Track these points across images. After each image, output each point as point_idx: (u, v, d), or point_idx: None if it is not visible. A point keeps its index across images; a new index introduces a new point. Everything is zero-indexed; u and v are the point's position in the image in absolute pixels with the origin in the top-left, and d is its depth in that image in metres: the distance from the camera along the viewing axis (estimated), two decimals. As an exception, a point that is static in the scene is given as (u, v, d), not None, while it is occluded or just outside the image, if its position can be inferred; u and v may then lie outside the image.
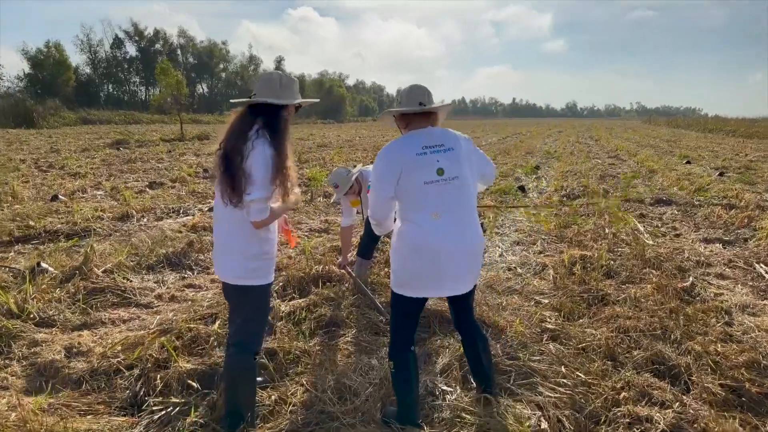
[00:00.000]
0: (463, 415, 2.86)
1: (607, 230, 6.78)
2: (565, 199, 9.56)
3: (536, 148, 22.45)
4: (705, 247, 6.24)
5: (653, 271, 5.07)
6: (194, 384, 3.11)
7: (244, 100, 2.68)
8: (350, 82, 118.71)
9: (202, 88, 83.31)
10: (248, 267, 2.62)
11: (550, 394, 3.02)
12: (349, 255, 4.95)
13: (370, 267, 5.17)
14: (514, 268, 5.51)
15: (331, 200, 6.61)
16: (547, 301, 4.49)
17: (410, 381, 2.76)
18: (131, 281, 4.87)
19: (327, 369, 3.31)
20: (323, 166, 14.20)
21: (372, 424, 2.77)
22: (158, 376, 3.15)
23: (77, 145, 20.74)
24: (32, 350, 3.50)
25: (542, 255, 5.96)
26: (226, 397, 2.74)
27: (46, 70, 56.89)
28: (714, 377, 3.18)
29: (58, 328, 3.91)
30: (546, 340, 3.72)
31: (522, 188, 10.84)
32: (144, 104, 60.93)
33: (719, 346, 3.55)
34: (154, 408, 2.91)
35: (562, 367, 3.29)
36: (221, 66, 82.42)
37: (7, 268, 4.93)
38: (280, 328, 3.86)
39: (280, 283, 4.65)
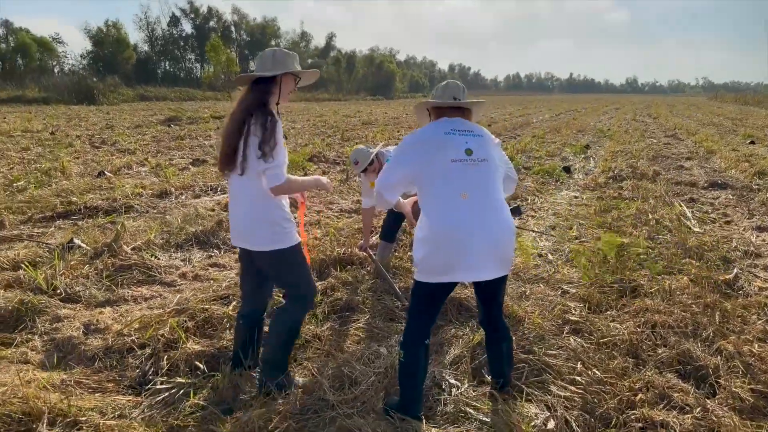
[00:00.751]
0: (467, 410, 2.76)
1: (650, 216, 6.42)
2: (611, 181, 9.13)
3: (589, 126, 21.63)
4: (757, 236, 5.82)
5: (693, 262, 4.75)
6: (200, 365, 3.14)
7: (245, 74, 2.85)
8: (401, 57, 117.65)
9: (255, 64, 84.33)
10: (277, 231, 2.76)
11: (560, 393, 2.87)
12: (373, 237, 4.87)
13: (393, 250, 5.08)
14: (545, 254, 5.30)
15: (350, 174, 6.65)
16: (574, 290, 4.29)
17: (417, 376, 2.68)
18: (159, 259, 4.97)
19: (332, 355, 3.26)
20: (364, 143, 14.08)
21: (372, 414, 2.70)
22: (166, 356, 3.19)
23: (131, 121, 21.40)
24: (54, 326, 3.62)
25: (577, 241, 5.71)
26: (268, 352, 2.92)
27: (107, 48, 58.90)
28: (744, 381, 2.94)
29: (82, 304, 4.03)
30: (567, 334, 3.55)
31: (567, 169, 10.44)
32: (198, 81, 62.19)
33: (756, 346, 3.29)
34: (159, 388, 2.95)
35: (579, 363, 3.13)
36: (273, 43, 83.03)
37: (43, 244, 5.12)
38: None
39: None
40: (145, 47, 71.34)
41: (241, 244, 2.86)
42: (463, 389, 2.95)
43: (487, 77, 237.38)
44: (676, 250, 5.12)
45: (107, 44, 58.77)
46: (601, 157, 12.27)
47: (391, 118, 26.80)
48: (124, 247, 4.97)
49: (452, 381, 3.04)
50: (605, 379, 2.96)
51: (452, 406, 2.80)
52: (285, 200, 2.85)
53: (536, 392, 2.91)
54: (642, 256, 4.92)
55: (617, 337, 3.43)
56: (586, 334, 3.54)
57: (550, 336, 3.48)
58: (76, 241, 5.05)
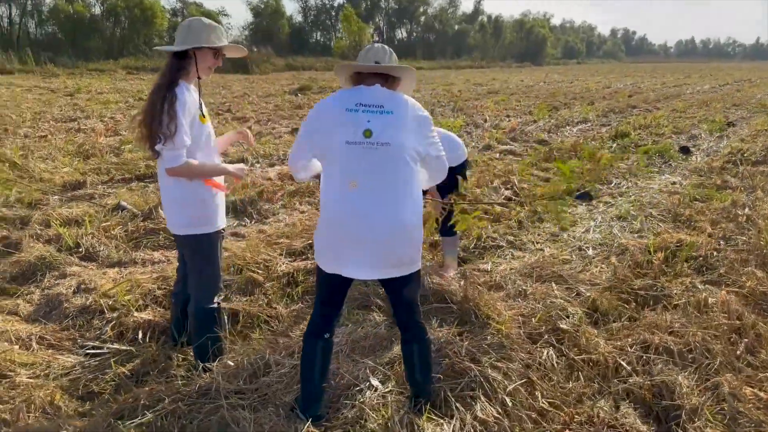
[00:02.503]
0: (370, 415, 2.51)
1: (743, 211, 5.35)
2: (730, 166, 7.77)
3: (752, 101, 18.62)
4: None
5: (757, 273, 3.86)
6: (140, 336, 3.24)
7: (158, 47, 2.98)
8: (555, 21, 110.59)
9: (402, 33, 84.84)
10: (188, 215, 2.72)
11: (480, 415, 2.50)
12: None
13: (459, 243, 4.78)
14: (586, 248, 4.67)
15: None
16: (589, 294, 3.72)
17: (313, 371, 2.51)
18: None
19: (270, 341, 3.17)
20: (469, 116, 13.53)
21: (270, 407, 2.58)
22: (120, 322, 3.34)
23: (265, 90, 22.74)
24: (56, 281, 3.96)
25: (636, 235, 4.95)
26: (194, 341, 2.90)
27: (265, 20, 62.89)
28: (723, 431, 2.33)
29: (96, 263, 4.36)
30: (542, 345, 3.08)
31: (686, 149, 9.11)
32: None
33: (763, 392, 2.58)
34: (95, 352, 3.10)
35: (522, 383, 2.69)
36: (421, 10, 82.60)
37: (96, 204, 5.62)
38: (267, 289, 3.80)
39: (303, 244, 4.56)
40: (299, 17, 75.04)
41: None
42: (378, 393, 2.69)
43: (655, 42, 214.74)
44: (747, 256, 4.20)
45: (265, 15, 62.69)
46: (738, 137, 10.51)
47: (526, 86, 25.37)
48: (161, 211, 5.28)
49: (375, 383, 2.78)
50: (542, 406, 2.53)
51: (357, 410, 2.57)
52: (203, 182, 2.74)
53: (459, 408, 2.56)
54: (689, 259, 4.12)
55: (594, 356, 2.91)
56: (565, 349, 3.05)
57: (515, 346, 3.04)
58: (123, 203, 5.47)
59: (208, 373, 2.76)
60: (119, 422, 2.42)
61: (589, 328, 3.25)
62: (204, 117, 2.74)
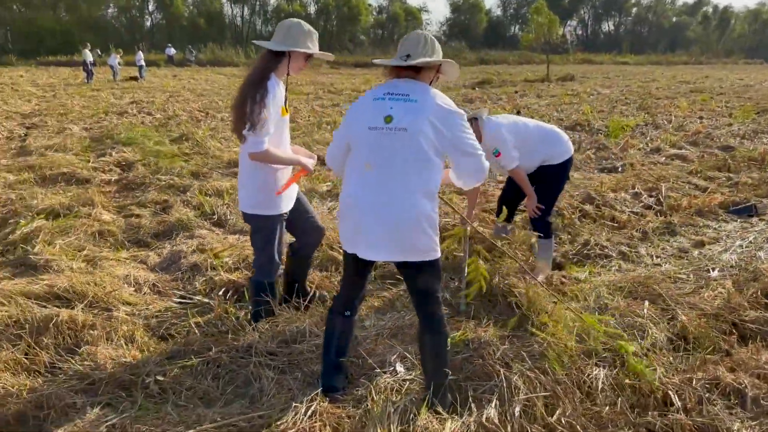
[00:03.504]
0: (372, 397, 2.54)
1: None
2: None
3: None
4: None
5: None
6: (221, 292, 3.66)
7: (257, 42, 3.10)
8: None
9: (608, 25, 79.03)
10: (256, 197, 3.04)
11: (484, 420, 2.38)
12: (475, 211, 4.55)
13: (511, 230, 4.61)
14: (711, 269, 4.04)
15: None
16: (685, 317, 3.25)
17: (330, 344, 2.66)
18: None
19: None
20: (653, 115, 12.22)
21: (295, 372, 2.78)
22: (214, 279, 3.81)
23: (447, 84, 23.05)
24: (184, 240, 4.60)
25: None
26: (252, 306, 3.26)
27: (463, 15, 63.54)
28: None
29: (223, 229, 4.98)
30: (596, 363, 2.80)
31: None
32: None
33: None
34: (185, 301, 3.59)
35: (544, 395, 2.50)
36: (633, 0, 75.98)
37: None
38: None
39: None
40: (498, 11, 74.22)
41: None
42: (399, 377, 2.70)
43: None
44: None
45: (463, 10, 63.34)
46: None
47: (743, 85, 21.99)
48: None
49: (399, 368, 2.81)
50: (556, 423, 2.33)
51: (365, 390, 2.62)
52: (278, 172, 3.02)
53: (472, 409, 2.47)
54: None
55: (643, 384, 2.57)
56: (618, 371, 2.74)
57: (563, 358, 2.81)
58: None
59: (255, 334, 3.05)
60: (168, 360, 2.82)
61: (658, 355, 2.87)
62: (286, 110, 3.01)
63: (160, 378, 2.68)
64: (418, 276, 2.47)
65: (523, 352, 2.82)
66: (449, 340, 2.55)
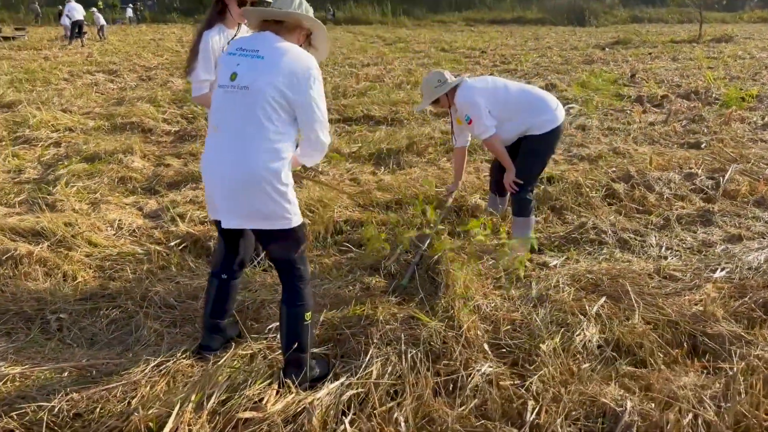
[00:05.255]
0: (226, 362, 2.52)
1: None
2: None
3: None
4: None
5: None
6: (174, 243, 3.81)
7: None
8: None
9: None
10: None
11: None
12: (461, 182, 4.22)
13: (505, 205, 4.21)
14: (719, 269, 3.37)
15: (414, 109, 5.97)
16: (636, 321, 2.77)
17: (207, 304, 2.67)
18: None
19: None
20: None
21: (186, 326, 2.86)
22: (175, 230, 3.97)
23: (580, 43, 21.29)
24: (189, 192, 4.84)
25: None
26: None
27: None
28: None
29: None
30: (484, 358, 2.51)
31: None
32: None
33: None
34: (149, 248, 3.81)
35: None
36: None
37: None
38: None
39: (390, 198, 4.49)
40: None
41: None
42: (269, 346, 2.66)
43: None
44: None
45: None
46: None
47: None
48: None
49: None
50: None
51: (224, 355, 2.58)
52: None
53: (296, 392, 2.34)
54: None
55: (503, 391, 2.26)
56: (502, 370, 2.43)
57: (448, 347, 2.55)
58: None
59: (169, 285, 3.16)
60: (80, 301, 3.03)
61: (558, 359, 2.48)
62: None
63: (62, 316, 2.89)
64: (269, 245, 2.40)
65: (405, 335, 2.61)
66: (307, 314, 2.42)
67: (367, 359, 2.45)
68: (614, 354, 2.58)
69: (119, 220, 4.14)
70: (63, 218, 3.93)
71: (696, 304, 2.94)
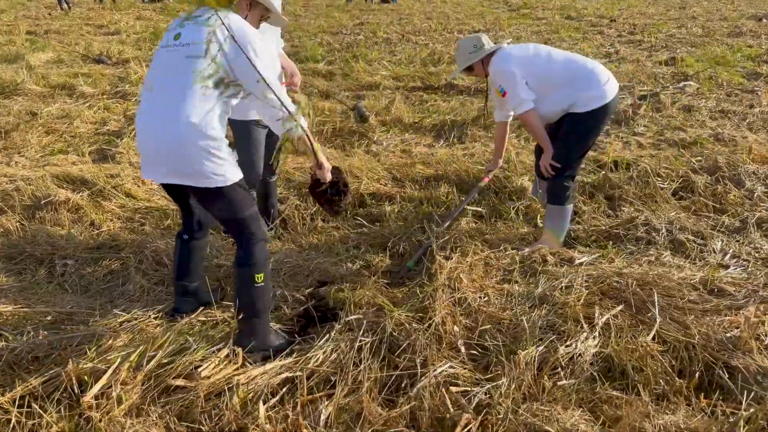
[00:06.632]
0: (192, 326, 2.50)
1: None
2: None
3: None
4: None
5: None
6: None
7: None
8: None
9: None
10: None
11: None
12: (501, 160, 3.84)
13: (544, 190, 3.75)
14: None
15: (449, 77, 5.22)
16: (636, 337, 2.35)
17: (174, 265, 2.66)
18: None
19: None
20: None
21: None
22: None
23: (723, 14, 18.75)
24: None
25: None
26: None
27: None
28: None
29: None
30: (454, 355, 2.26)
31: None
32: None
33: None
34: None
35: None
36: None
37: (341, 102, 6.37)
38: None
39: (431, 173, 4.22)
40: None
41: None
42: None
43: None
44: None
45: None
46: None
47: None
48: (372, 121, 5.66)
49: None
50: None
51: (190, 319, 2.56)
52: None
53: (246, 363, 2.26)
54: None
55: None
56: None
57: (417, 342, 2.32)
58: (361, 104, 6.04)
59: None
60: (93, 250, 3.18)
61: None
62: None
63: (68, 262, 3.05)
64: (207, 204, 2.35)
65: (366, 322, 2.42)
66: (258, 276, 2.31)
67: (318, 343, 2.31)
68: (602, 374, 2.20)
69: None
70: (111, 169, 4.15)
71: (734, 329, 2.42)
